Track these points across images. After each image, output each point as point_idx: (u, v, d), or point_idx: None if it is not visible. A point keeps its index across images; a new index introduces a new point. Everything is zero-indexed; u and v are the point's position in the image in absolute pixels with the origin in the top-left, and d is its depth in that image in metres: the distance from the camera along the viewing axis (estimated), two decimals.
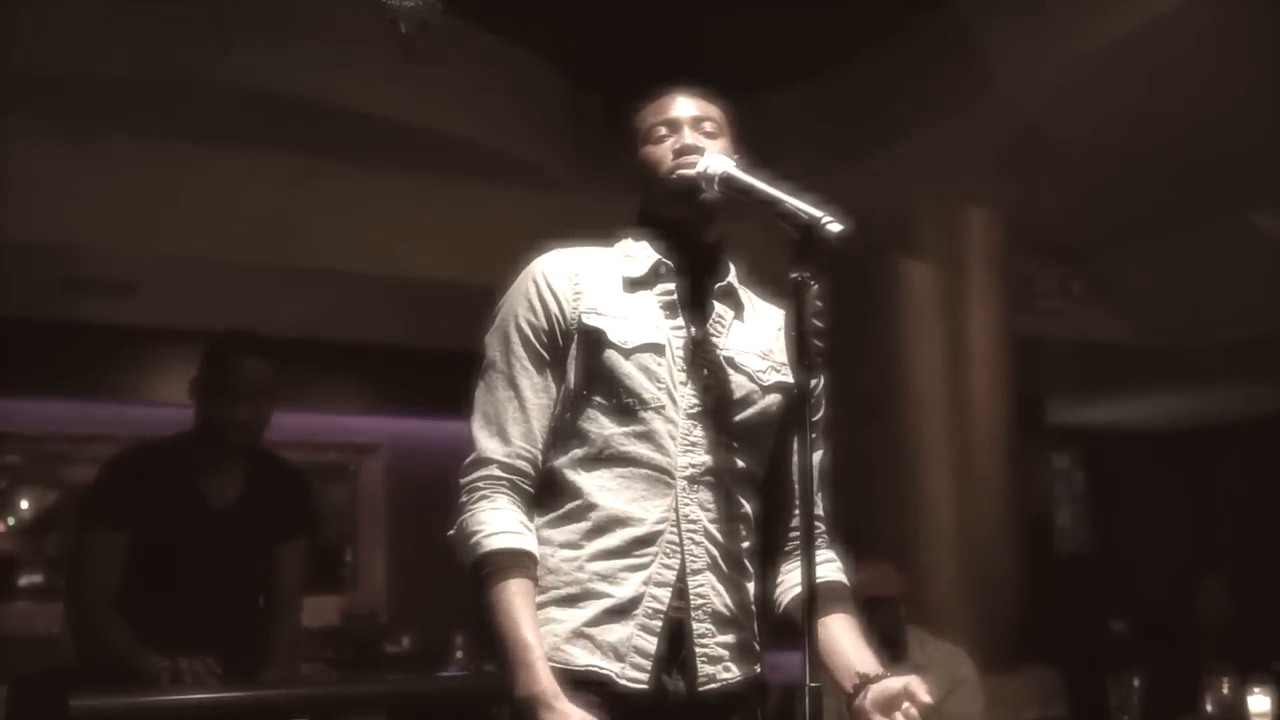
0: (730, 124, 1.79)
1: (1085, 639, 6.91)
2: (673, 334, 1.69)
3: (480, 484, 1.65)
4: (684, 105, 1.76)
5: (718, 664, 1.64)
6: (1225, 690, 2.99)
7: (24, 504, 5.93)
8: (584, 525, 1.63)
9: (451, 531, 1.66)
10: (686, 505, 1.64)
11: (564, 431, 1.67)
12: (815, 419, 1.65)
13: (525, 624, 1.56)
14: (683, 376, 1.67)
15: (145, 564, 2.73)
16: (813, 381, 1.60)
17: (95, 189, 4.37)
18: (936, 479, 5.01)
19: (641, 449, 1.64)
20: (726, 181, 1.66)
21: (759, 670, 1.70)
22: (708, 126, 1.75)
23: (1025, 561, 5.01)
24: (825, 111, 4.94)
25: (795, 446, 1.58)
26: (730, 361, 1.71)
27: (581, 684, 1.56)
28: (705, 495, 1.66)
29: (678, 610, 1.62)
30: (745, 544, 1.70)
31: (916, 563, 4.65)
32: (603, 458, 1.64)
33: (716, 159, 1.68)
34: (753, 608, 1.71)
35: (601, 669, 1.58)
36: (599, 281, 1.71)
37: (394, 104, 4.32)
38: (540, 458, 1.67)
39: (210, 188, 4.52)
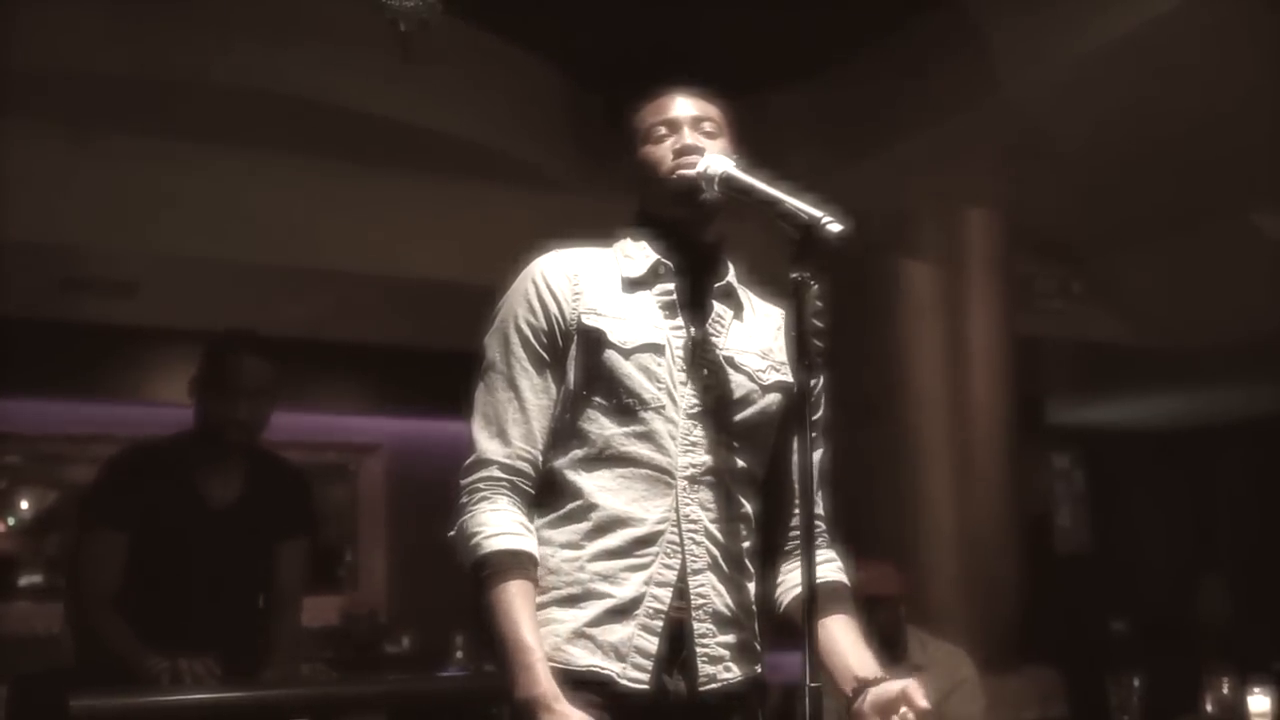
0: (730, 124, 1.79)
1: (1085, 639, 6.92)
2: (672, 334, 1.69)
3: (480, 485, 1.65)
4: (684, 105, 1.76)
5: (718, 664, 1.64)
6: (1225, 690, 2.99)
7: (24, 504, 5.91)
8: (585, 525, 1.63)
9: (452, 532, 1.66)
10: (687, 505, 1.64)
11: (564, 432, 1.67)
12: (815, 419, 1.64)
13: (525, 626, 1.56)
14: (682, 376, 1.67)
15: (145, 564, 2.73)
16: (812, 381, 1.60)
17: (95, 189, 4.36)
18: (936, 479, 5.00)
19: (642, 449, 1.64)
20: (726, 181, 1.66)
21: (759, 670, 1.71)
22: (707, 126, 1.75)
23: (1025, 561, 5.01)
24: (825, 111, 4.93)
25: (795, 446, 1.58)
26: (730, 361, 1.71)
27: (582, 684, 1.56)
28: (706, 495, 1.66)
29: (678, 610, 1.62)
30: (746, 544, 1.71)
31: (916, 563, 4.64)
32: (603, 458, 1.64)
33: (716, 159, 1.68)
34: (753, 608, 1.71)
35: (603, 669, 1.59)
36: (598, 282, 1.71)
37: (394, 104, 4.32)
38: (540, 458, 1.67)
39: (210, 188, 4.51)
